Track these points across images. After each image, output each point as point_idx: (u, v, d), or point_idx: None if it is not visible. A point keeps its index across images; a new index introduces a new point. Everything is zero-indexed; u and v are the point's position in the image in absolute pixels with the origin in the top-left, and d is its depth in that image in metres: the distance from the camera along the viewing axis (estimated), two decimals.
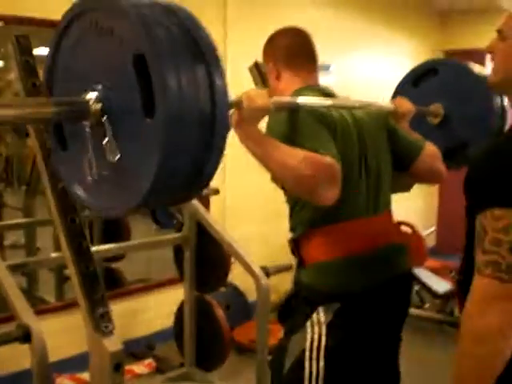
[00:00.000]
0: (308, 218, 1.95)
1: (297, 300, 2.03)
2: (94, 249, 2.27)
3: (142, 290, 4.45)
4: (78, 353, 3.89)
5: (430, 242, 5.96)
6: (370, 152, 2.00)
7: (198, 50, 1.24)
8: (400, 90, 2.76)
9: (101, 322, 1.94)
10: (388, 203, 2.12)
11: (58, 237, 3.97)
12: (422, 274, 4.88)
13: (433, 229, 6.69)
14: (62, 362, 3.66)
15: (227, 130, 1.32)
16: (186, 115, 1.18)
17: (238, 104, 1.63)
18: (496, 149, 1.53)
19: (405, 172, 2.21)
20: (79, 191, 1.46)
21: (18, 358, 3.51)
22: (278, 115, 1.84)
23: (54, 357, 2.22)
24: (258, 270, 2.89)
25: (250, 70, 3.02)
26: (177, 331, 3.76)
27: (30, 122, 1.40)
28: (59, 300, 4.35)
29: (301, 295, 2.02)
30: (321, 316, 1.90)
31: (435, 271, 5.14)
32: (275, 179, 1.87)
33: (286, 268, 3.50)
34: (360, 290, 1.93)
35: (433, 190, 7.41)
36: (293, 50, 2.10)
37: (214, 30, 4.29)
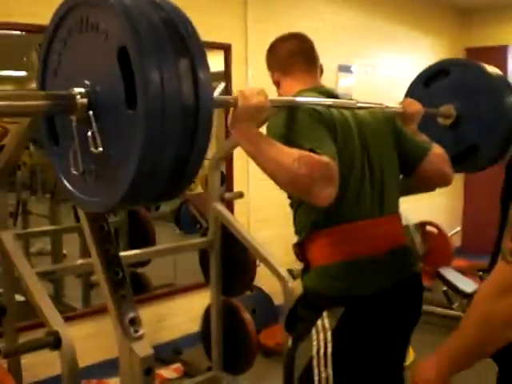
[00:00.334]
0: (311, 220, 1.92)
1: (302, 306, 1.99)
2: (120, 254, 2.27)
3: (168, 294, 4.46)
4: (105, 359, 3.92)
5: (456, 241, 5.92)
6: (373, 153, 1.96)
7: (183, 44, 1.24)
8: (412, 91, 2.73)
9: (130, 328, 1.95)
10: (395, 204, 2.06)
11: (85, 243, 4.01)
12: (449, 274, 4.85)
13: (458, 229, 6.63)
14: (88, 367, 3.67)
15: (210, 123, 1.30)
16: (167, 107, 1.18)
17: (233, 102, 1.63)
18: None
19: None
20: (68, 185, 1.47)
21: (42, 364, 3.57)
22: (277, 117, 1.83)
23: (81, 363, 2.23)
24: (284, 273, 2.89)
25: None
26: (204, 335, 3.76)
27: (20, 114, 1.44)
28: (86, 306, 4.38)
29: (306, 300, 1.99)
30: (325, 322, 1.86)
31: (462, 271, 5.11)
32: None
33: None
34: (364, 294, 1.88)
35: (458, 190, 7.36)
36: (290, 57, 2.11)
37: (234, 30, 4.34)
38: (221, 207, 3.44)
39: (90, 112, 1.26)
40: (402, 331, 2.05)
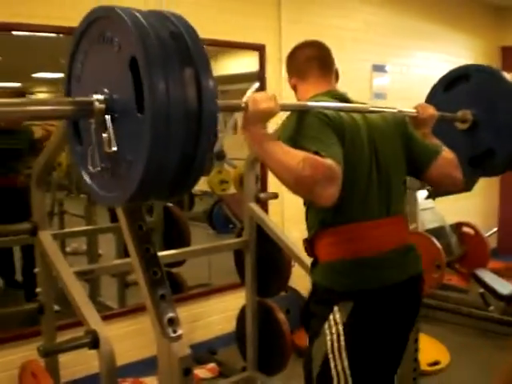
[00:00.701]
0: (319, 219, 2.02)
1: (315, 303, 2.07)
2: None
3: (203, 294, 4.47)
4: (140, 358, 3.95)
5: (492, 243, 5.84)
6: (381, 156, 2.04)
7: (189, 54, 1.36)
8: (433, 94, 2.79)
9: (169, 327, 1.95)
10: (400, 205, 2.13)
11: (121, 243, 4.04)
12: (486, 275, 4.78)
13: (495, 230, 6.55)
14: (123, 366, 3.70)
15: (214, 127, 1.40)
16: (172, 112, 1.30)
17: (244, 106, 1.73)
18: None
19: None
20: (88, 180, 1.59)
21: (79, 363, 3.60)
22: (288, 120, 1.94)
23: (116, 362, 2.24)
24: None
25: None
26: (239, 336, 3.77)
27: (49, 117, 1.61)
28: (121, 306, 4.41)
29: (317, 296, 2.07)
30: (337, 316, 1.94)
31: (498, 273, 5.03)
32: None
33: None
34: (370, 287, 1.97)
35: (494, 191, 7.27)
36: (306, 62, 2.20)
37: (268, 31, 4.34)
38: (256, 208, 3.44)
39: (107, 116, 1.39)
40: (403, 326, 2.13)
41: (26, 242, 3.52)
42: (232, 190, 5.28)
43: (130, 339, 3.94)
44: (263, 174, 4.54)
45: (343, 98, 2.12)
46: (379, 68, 5.55)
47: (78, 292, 2.44)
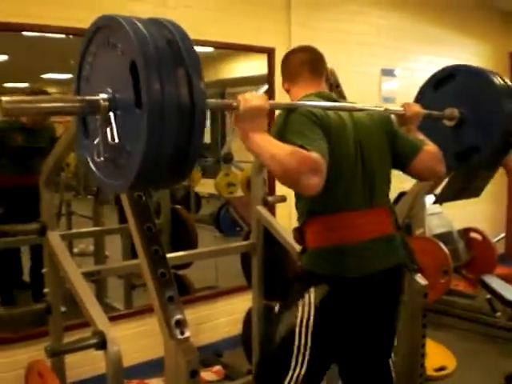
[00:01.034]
0: (308, 208, 2.18)
1: (296, 281, 2.25)
2: None
3: (209, 297, 4.47)
4: (146, 359, 3.95)
5: (500, 249, 5.81)
6: (366, 151, 2.19)
7: (181, 58, 1.52)
8: (422, 93, 2.94)
9: (177, 329, 1.96)
10: (384, 198, 2.28)
11: (127, 245, 4.04)
12: (493, 281, 4.77)
13: (502, 235, 6.51)
14: (129, 368, 3.71)
15: (204, 122, 1.56)
16: (166, 109, 1.46)
17: (236, 105, 1.88)
18: None
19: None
20: (95, 170, 1.73)
21: (85, 364, 3.61)
22: (278, 118, 2.09)
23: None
24: None
25: None
26: (245, 338, 3.77)
27: (60, 113, 1.72)
28: (128, 307, 4.42)
29: (299, 277, 2.25)
30: (312, 296, 2.10)
31: (506, 279, 5.01)
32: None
33: None
34: (348, 275, 2.11)
35: (501, 196, 7.23)
36: (297, 67, 2.34)
37: (278, 34, 4.35)
38: (263, 211, 3.44)
39: (111, 113, 1.55)
40: (381, 316, 2.26)
41: (34, 242, 3.54)
42: (239, 192, 5.28)
43: (135, 341, 3.94)
44: (271, 177, 4.53)
45: (331, 98, 2.27)
46: (388, 72, 5.54)
47: (86, 293, 2.44)
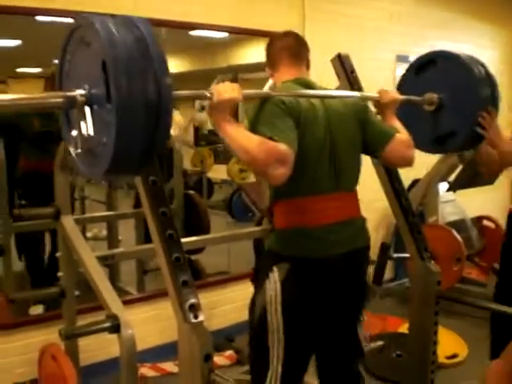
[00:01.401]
0: (277, 191, 2.26)
1: (262, 261, 2.38)
2: None
3: (221, 282, 4.48)
4: (158, 343, 3.98)
5: None
6: (336, 137, 2.26)
7: (149, 55, 1.60)
8: (405, 78, 3.00)
9: (190, 313, 1.96)
10: (351, 183, 2.35)
11: (141, 229, 4.05)
12: None
13: None
14: (142, 352, 3.73)
15: (170, 116, 1.66)
16: (134, 103, 1.56)
17: (209, 96, 1.95)
18: None
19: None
20: (76, 159, 1.83)
21: (98, 347, 3.63)
22: (251, 108, 2.17)
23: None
24: None
25: (333, 62, 3.02)
26: None
27: (42, 109, 1.93)
28: (140, 291, 4.44)
29: (265, 257, 2.36)
30: (276, 275, 2.21)
31: None
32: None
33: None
34: (308, 256, 2.22)
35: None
36: (277, 53, 2.40)
37: (291, 20, 4.32)
38: None
39: (86, 108, 1.65)
40: (343, 295, 2.33)
41: (48, 226, 3.56)
42: (252, 178, 5.28)
43: (148, 324, 3.97)
44: None
45: (308, 84, 2.33)
46: (403, 58, 5.50)
47: (100, 277, 2.45)
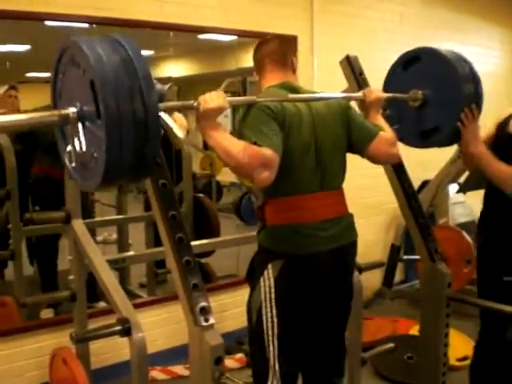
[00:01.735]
0: (265, 191, 2.31)
1: (256, 258, 2.41)
2: None
3: (231, 285, 4.48)
4: (169, 347, 3.98)
5: None
6: (320, 139, 2.32)
7: (135, 74, 1.65)
8: (392, 73, 3.00)
9: (201, 316, 1.97)
10: (336, 181, 2.41)
11: (151, 233, 4.05)
12: None
13: None
14: (152, 355, 3.74)
15: (159, 131, 1.72)
16: (122, 119, 1.61)
17: (196, 106, 2.01)
18: None
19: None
20: (72, 172, 1.88)
21: (109, 350, 3.64)
22: (239, 113, 2.23)
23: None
24: None
25: (341, 63, 3.02)
26: None
27: (37, 126, 1.82)
28: (150, 295, 4.45)
29: (258, 255, 2.40)
30: (270, 272, 2.27)
31: None
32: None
33: (379, 265, 3.45)
34: (299, 253, 2.27)
35: None
36: (262, 59, 2.46)
37: (300, 22, 4.32)
38: None
39: (79, 124, 1.71)
40: (332, 288, 2.39)
41: (58, 230, 3.58)
42: None
43: (159, 328, 3.98)
44: None
45: (293, 88, 2.39)
46: None
47: (110, 280, 2.46)
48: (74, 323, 2.96)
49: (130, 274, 4.78)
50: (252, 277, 2.40)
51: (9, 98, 4.04)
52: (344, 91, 2.89)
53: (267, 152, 2.03)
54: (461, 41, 6.01)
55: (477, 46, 6.27)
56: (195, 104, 2.02)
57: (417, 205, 2.97)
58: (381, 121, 2.57)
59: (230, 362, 3.96)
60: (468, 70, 2.78)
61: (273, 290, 2.26)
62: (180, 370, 3.90)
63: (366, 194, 4.91)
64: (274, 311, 2.26)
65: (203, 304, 2.00)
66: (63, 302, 3.11)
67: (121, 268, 4.46)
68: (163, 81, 4.60)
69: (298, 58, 4.48)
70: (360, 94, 2.62)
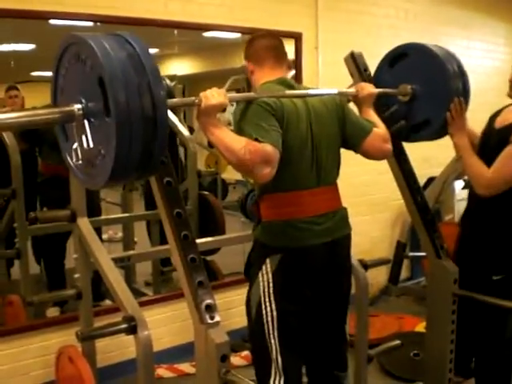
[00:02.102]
0: (262, 186, 2.33)
1: (253, 254, 2.44)
2: None
3: (236, 282, 4.46)
4: (175, 344, 3.98)
5: None
6: (316, 135, 2.35)
7: (143, 69, 1.65)
8: (379, 70, 3.04)
9: (207, 314, 1.97)
10: (333, 178, 2.46)
11: (156, 231, 4.05)
12: None
13: None
14: (158, 353, 3.74)
15: (167, 126, 1.72)
16: (131, 116, 1.60)
17: (197, 102, 2.02)
18: None
19: None
20: (75, 170, 1.88)
21: (115, 348, 3.64)
22: (238, 110, 2.25)
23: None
24: (356, 263, 2.86)
25: (346, 60, 3.01)
26: None
27: (41, 125, 1.86)
28: (156, 293, 4.45)
29: (255, 249, 2.43)
30: (268, 266, 2.30)
31: None
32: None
33: (384, 262, 3.44)
34: (297, 246, 2.30)
35: None
36: (264, 51, 2.47)
37: (305, 19, 4.31)
38: None
39: (85, 121, 1.70)
40: (329, 281, 2.41)
41: (63, 229, 3.57)
42: None
43: (164, 326, 3.98)
44: None
45: (290, 85, 2.43)
46: None
47: (116, 278, 2.47)
48: (80, 321, 2.96)
49: (135, 272, 4.78)
50: (250, 272, 2.43)
51: (9, 99, 4.05)
52: (349, 88, 2.89)
53: (268, 148, 2.05)
54: (467, 37, 6.01)
55: (482, 42, 6.24)
56: (196, 101, 2.03)
57: (422, 201, 2.96)
58: (373, 116, 2.61)
59: (235, 360, 3.96)
60: (455, 65, 2.81)
61: (271, 285, 2.29)
62: (186, 367, 3.90)
63: (372, 190, 4.91)
64: (274, 305, 2.29)
65: (209, 302, 2.00)
66: (69, 300, 3.10)
67: (126, 266, 4.46)
68: (168, 79, 4.60)
69: (303, 55, 4.52)
70: (353, 89, 2.66)
